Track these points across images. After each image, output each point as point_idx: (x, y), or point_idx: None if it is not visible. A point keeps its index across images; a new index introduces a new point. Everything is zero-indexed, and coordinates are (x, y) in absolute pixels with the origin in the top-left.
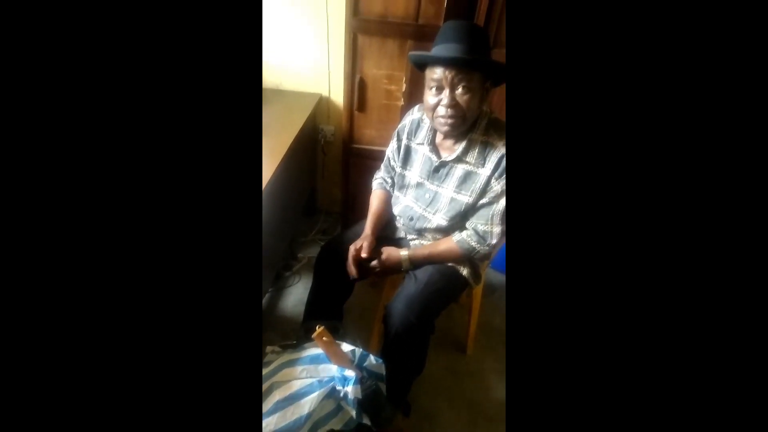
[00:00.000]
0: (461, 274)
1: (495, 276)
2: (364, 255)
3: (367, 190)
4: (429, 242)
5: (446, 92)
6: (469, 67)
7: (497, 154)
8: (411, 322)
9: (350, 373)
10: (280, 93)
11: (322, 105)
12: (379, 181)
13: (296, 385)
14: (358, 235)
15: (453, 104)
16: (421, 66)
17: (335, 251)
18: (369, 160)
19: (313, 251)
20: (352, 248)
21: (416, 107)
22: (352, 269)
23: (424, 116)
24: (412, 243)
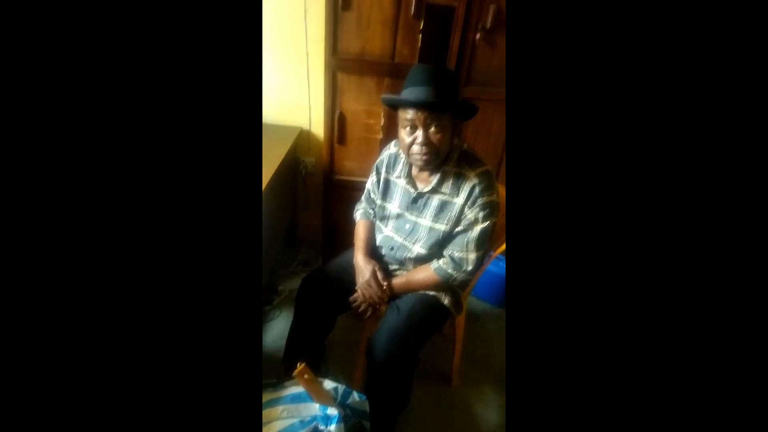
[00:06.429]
0: (443, 304)
1: (477, 304)
2: (388, 295)
3: (347, 220)
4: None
5: (420, 132)
6: (439, 109)
7: (469, 184)
8: (394, 354)
9: (333, 412)
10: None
11: (303, 138)
12: (361, 211)
13: (277, 426)
14: (340, 266)
15: (427, 142)
16: (394, 106)
17: (317, 284)
18: (349, 191)
19: (294, 283)
20: (370, 291)
21: (393, 142)
22: (367, 306)
23: (401, 150)
24: (393, 272)
